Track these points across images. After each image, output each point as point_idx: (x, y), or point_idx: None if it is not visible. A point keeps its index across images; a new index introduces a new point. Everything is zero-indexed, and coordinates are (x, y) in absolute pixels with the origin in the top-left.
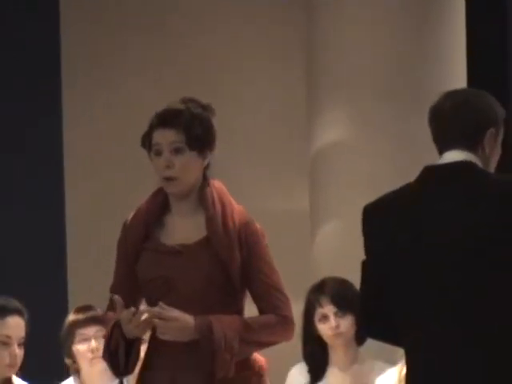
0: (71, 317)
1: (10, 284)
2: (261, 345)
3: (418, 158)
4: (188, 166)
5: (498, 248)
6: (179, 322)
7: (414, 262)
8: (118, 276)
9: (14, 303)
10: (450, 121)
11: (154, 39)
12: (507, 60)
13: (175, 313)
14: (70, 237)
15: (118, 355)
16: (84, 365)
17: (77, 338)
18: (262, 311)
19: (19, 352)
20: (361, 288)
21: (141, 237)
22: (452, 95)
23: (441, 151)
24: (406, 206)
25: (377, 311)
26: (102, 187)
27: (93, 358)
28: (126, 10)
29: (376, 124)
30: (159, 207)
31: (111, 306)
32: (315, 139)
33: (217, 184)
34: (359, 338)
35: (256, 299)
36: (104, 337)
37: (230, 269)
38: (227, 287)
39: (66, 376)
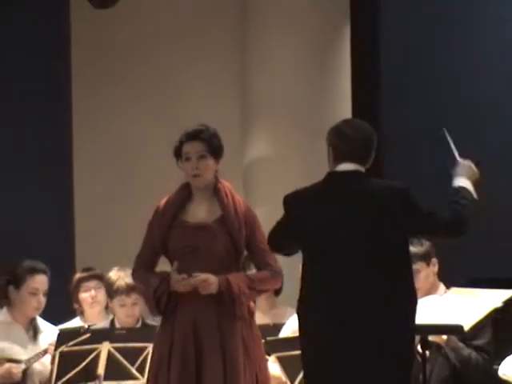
0: (78, 274)
1: (32, 251)
2: (260, 291)
3: (320, 168)
4: (208, 167)
5: (379, 233)
6: (209, 280)
7: (316, 238)
8: (146, 246)
9: (41, 265)
10: (349, 142)
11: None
12: (379, 99)
13: (204, 275)
14: (79, 215)
15: (161, 300)
16: (86, 308)
17: (82, 289)
18: (258, 267)
19: (43, 300)
20: (275, 226)
21: (171, 218)
22: (351, 124)
23: (337, 163)
24: (313, 198)
25: (281, 246)
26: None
27: (92, 303)
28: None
29: (291, 144)
30: (184, 197)
31: (138, 267)
32: (247, 155)
33: (225, 182)
34: (276, 292)
35: (254, 259)
36: (146, 286)
37: (238, 239)
38: (234, 252)
39: (73, 316)
